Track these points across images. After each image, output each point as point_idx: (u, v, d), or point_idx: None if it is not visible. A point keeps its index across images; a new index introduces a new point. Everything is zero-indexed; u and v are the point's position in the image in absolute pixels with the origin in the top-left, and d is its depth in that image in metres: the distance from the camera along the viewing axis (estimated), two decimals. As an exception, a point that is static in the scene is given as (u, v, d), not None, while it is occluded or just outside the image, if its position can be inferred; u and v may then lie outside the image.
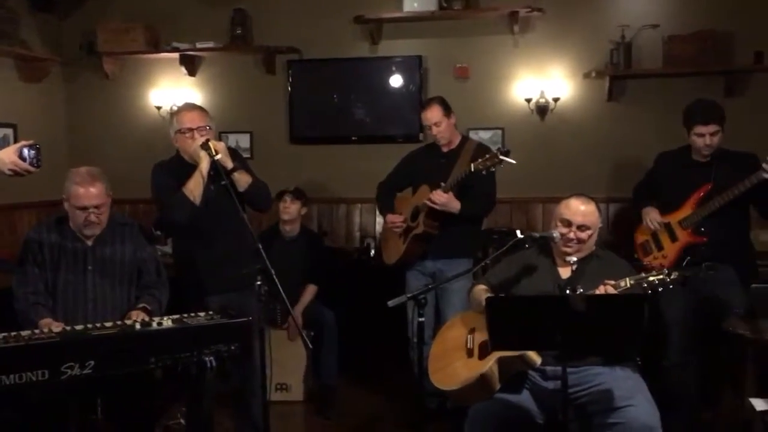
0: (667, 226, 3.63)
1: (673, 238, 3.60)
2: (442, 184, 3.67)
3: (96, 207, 2.97)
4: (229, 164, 3.12)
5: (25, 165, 2.47)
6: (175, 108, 3.54)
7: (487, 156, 3.41)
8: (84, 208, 2.95)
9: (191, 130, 3.19)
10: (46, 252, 3.02)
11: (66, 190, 2.98)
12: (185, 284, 3.29)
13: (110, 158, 5.29)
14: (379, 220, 5.22)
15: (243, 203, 3.17)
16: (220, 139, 5.28)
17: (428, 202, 3.69)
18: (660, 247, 3.66)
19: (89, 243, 3.06)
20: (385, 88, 5.29)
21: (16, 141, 5.12)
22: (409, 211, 3.88)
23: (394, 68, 5.27)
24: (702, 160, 3.57)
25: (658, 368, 3.51)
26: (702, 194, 3.51)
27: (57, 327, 2.71)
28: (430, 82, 5.28)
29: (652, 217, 3.69)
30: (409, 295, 2.84)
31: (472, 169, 3.44)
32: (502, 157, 3.30)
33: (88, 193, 2.95)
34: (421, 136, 5.17)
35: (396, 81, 5.28)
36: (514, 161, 3.29)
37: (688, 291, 3.36)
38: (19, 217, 5.12)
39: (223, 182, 3.03)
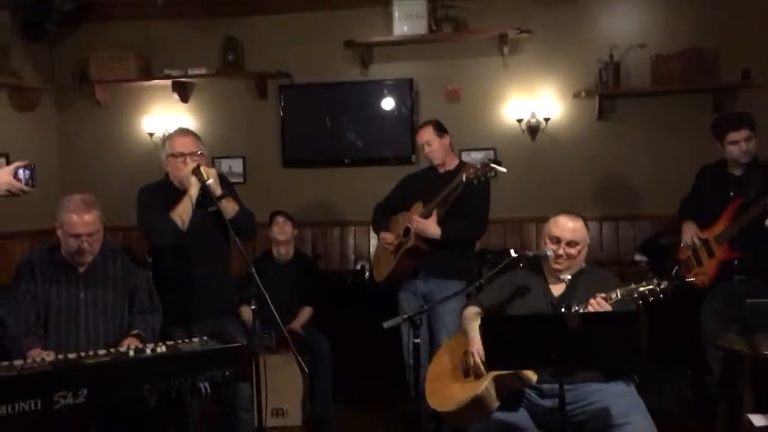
0: (705, 242, 3.66)
1: (711, 253, 3.63)
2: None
3: (89, 235, 2.97)
4: (219, 191, 3.13)
5: (21, 185, 2.50)
6: (167, 134, 3.54)
7: (479, 166, 3.44)
8: (77, 236, 2.96)
9: (183, 155, 3.19)
10: (38, 280, 3.02)
11: (59, 218, 2.99)
12: (163, 309, 3.25)
13: (103, 185, 5.28)
14: (374, 242, 5.22)
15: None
16: (213, 164, 5.37)
17: (408, 224, 3.71)
18: (700, 263, 3.68)
19: (81, 270, 3.06)
20: (376, 110, 5.32)
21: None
22: (401, 228, 3.89)
23: (385, 91, 5.32)
24: (737, 173, 3.60)
25: (701, 383, 3.52)
26: (734, 209, 3.53)
27: (49, 356, 2.69)
28: (421, 104, 5.32)
29: (690, 233, 3.73)
30: (405, 316, 2.83)
31: (464, 179, 3.46)
32: (493, 165, 3.32)
33: (82, 220, 2.95)
34: (413, 158, 5.21)
35: (387, 104, 5.32)
36: (505, 169, 3.32)
37: (725, 305, 3.37)
38: (11, 245, 5.11)
39: (211, 209, 3.03)
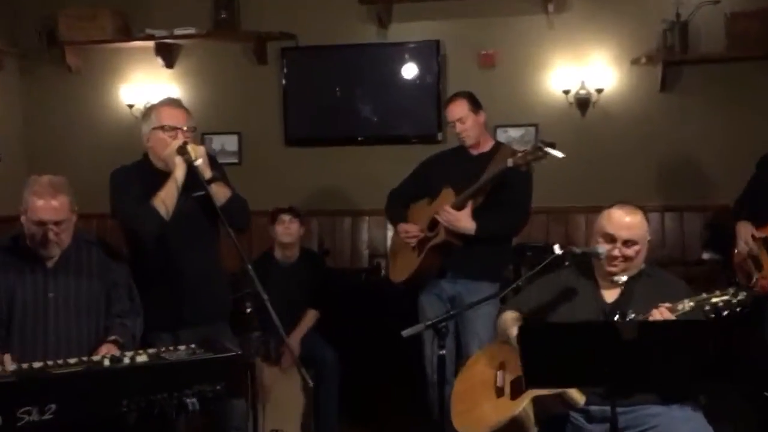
0: (765, 241, 3.65)
1: None
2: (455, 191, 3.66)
3: (56, 223, 2.97)
4: (208, 173, 3.12)
5: None
6: (150, 105, 3.54)
7: (528, 149, 3.40)
8: (41, 223, 2.96)
9: (174, 129, 3.18)
10: (0, 276, 3.03)
11: (24, 201, 2.99)
12: (144, 312, 3.25)
13: (74, 165, 5.33)
14: (391, 234, 5.22)
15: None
16: (202, 142, 5.38)
17: (437, 216, 3.70)
18: (759, 267, 3.68)
19: (50, 265, 3.07)
20: (396, 79, 5.30)
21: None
22: (426, 220, 3.88)
23: (406, 56, 5.29)
24: None
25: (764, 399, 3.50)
26: None
27: (10, 364, 2.70)
28: (449, 71, 5.30)
29: (744, 233, 3.74)
30: (428, 323, 2.83)
31: (510, 164, 3.43)
32: (547, 150, 3.29)
33: (48, 206, 2.95)
34: (439, 135, 5.19)
35: (409, 71, 5.31)
36: (561, 154, 3.28)
37: None
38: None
39: (198, 194, 3.03)
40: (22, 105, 5.82)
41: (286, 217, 4.52)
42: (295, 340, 4.30)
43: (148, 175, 3.21)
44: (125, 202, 3.18)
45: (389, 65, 5.31)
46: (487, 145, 3.88)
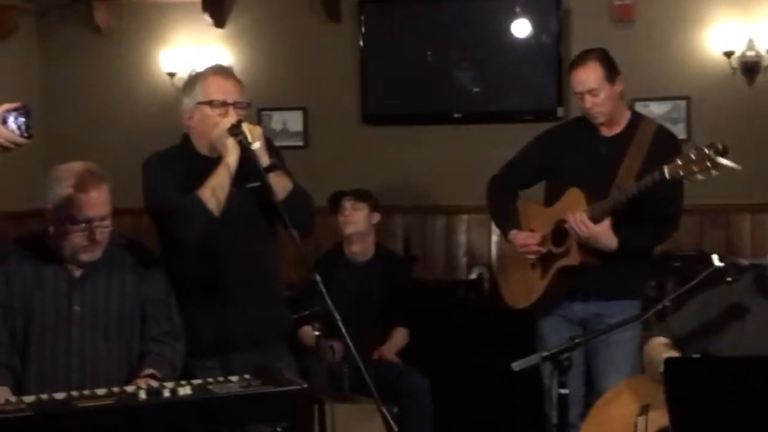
0: None
1: None
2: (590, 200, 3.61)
3: (102, 218, 3.04)
4: (266, 159, 3.12)
5: (13, 135, 2.62)
6: (195, 73, 3.57)
7: (693, 156, 3.30)
8: (88, 222, 3.02)
9: (225, 104, 3.19)
10: (15, 286, 3.09)
11: (54, 196, 3.05)
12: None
13: (103, 149, 5.42)
14: (496, 238, 5.17)
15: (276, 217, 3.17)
16: (259, 120, 5.44)
17: (567, 227, 3.66)
18: None
19: (77, 274, 3.13)
20: (503, 38, 5.30)
21: (-30, 125, 5.41)
22: (548, 226, 3.82)
23: (517, 9, 5.28)
24: None
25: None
26: None
27: (12, 398, 2.73)
28: (573, 29, 5.27)
29: None
30: (545, 354, 2.79)
31: (666, 176, 3.37)
32: (721, 160, 3.20)
33: (95, 199, 3.01)
34: (560, 111, 5.15)
35: (520, 28, 5.29)
36: (737, 166, 3.19)
37: None
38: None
39: (252, 185, 3.04)
40: (40, 75, 5.98)
41: (347, 203, 4.52)
42: (390, 351, 4.33)
43: (190, 161, 3.24)
44: (162, 193, 3.20)
45: (494, 21, 5.30)
46: (622, 122, 3.80)
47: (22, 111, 2.65)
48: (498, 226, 4.10)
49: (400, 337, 4.46)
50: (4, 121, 2.62)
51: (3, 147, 2.64)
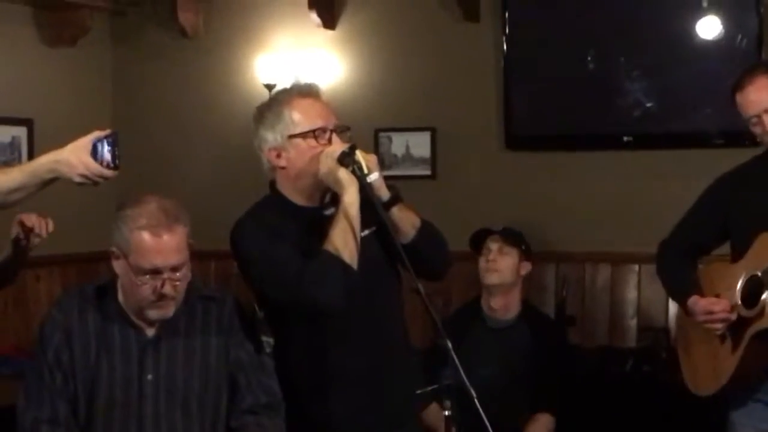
0: None
1: None
2: None
3: (174, 269, 3.02)
4: (385, 192, 3.11)
5: (100, 169, 2.73)
6: (270, 99, 3.49)
7: None
8: (156, 273, 3.01)
9: (327, 131, 3.13)
10: (77, 348, 3.11)
11: (119, 238, 3.05)
12: (291, 416, 3.24)
13: (185, 179, 5.57)
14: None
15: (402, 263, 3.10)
16: (375, 144, 5.43)
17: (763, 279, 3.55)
18: None
19: (150, 334, 3.13)
20: (686, 42, 5.20)
21: (31, 145, 5.58)
22: (738, 283, 3.68)
23: (704, 3, 5.16)
24: None
25: None
26: None
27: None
28: (776, 28, 5.17)
29: None
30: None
31: None
32: None
33: (161, 244, 3.00)
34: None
35: (709, 27, 5.16)
36: None
37: None
38: (33, 286, 5.39)
39: (369, 230, 3.08)
40: (112, 85, 6.10)
41: (494, 245, 4.49)
42: None
43: (291, 214, 3.17)
44: (283, 261, 3.07)
45: (674, 19, 5.21)
46: None
47: (110, 138, 2.75)
48: (674, 297, 4.03)
49: (541, 425, 4.36)
50: (94, 151, 2.73)
51: (92, 182, 2.78)
